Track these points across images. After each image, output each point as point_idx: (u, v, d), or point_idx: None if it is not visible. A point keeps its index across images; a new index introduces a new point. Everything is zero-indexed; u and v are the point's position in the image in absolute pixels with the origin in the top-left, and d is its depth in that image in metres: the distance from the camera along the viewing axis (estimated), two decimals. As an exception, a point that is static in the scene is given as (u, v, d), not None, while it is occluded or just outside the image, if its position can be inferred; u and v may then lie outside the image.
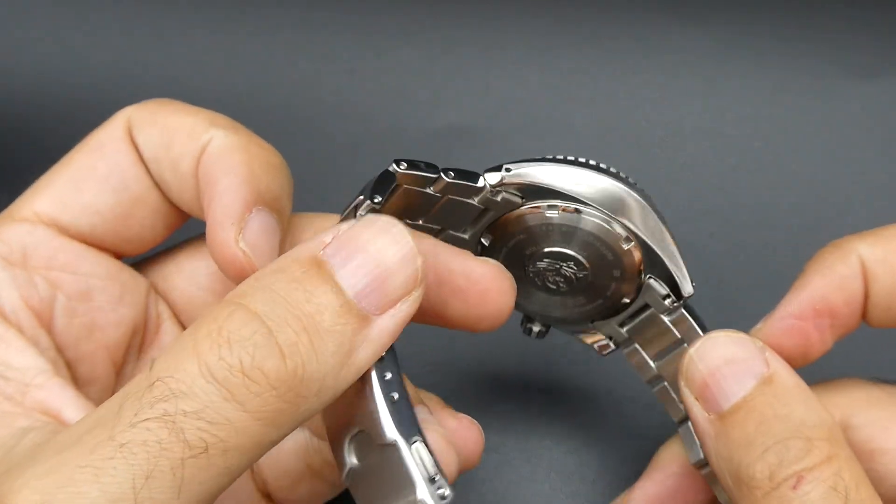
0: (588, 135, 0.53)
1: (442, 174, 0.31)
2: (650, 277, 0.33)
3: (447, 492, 0.25)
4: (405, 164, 0.30)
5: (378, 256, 0.26)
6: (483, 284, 0.31)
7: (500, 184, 0.31)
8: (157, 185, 0.34)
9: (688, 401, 0.31)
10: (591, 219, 0.32)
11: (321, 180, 0.51)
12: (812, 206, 0.51)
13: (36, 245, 0.32)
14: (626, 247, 0.32)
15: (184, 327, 0.36)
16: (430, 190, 0.31)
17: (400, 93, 0.54)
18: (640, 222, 0.32)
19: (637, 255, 0.32)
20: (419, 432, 0.26)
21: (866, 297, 0.33)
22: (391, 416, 0.26)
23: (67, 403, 0.29)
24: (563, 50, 0.55)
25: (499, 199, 0.32)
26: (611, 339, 0.36)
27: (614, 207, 0.32)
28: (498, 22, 0.55)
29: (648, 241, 0.32)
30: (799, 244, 0.50)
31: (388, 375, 0.27)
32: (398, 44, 0.55)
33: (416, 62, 0.55)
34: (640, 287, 0.33)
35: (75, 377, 0.33)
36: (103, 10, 0.57)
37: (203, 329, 0.24)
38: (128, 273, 0.34)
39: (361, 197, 0.29)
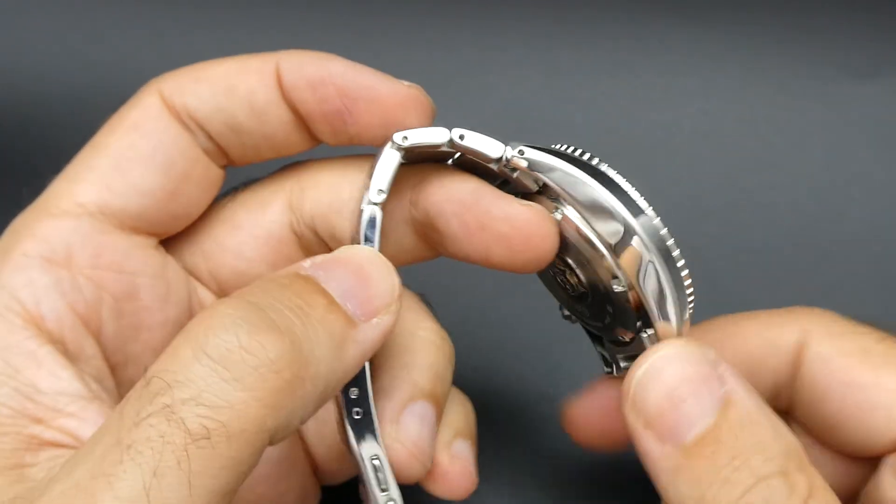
0: (587, 135, 0.53)
1: (453, 136, 0.29)
2: (644, 332, 0.30)
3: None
4: (407, 138, 0.29)
5: (357, 269, 0.27)
6: (526, 230, 0.30)
7: (508, 162, 0.29)
8: (214, 144, 0.32)
9: (635, 431, 0.27)
10: (587, 245, 0.29)
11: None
12: (811, 207, 0.51)
13: (81, 243, 0.30)
14: (617, 289, 0.29)
15: None
16: (445, 149, 0.30)
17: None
18: (643, 274, 0.28)
19: (632, 300, 0.29)
20: (379, 448, 0.29)
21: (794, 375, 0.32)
22: (353, 432, 0.29)
23: None
24: (562, 50, 0.55)
25: (514, 175, 0.30)
26: (611, 363, 0.33)
27: (621, 244, 0.28)
28: (498, 22, 0.55)
29: (649, 302, 0.28)
30: (798, 245, 0.50)
31: (355, 393, 0.29)
32: (397, 44, 0.55)
33: (415, 62, 0.55)
34: (636, 334, 0.30)
35: (122, 380, 0.32)
36: (103, 9, 0.57)
37: (194, 322, 0.25)
38: (172, 268, 0.33)
39: (367, 192, 0.29)
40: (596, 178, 0.29)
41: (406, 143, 0.29)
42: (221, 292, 0.34)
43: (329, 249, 0.32)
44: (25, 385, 0.28)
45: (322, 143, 0.33)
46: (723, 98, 0.53)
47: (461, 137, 0.29)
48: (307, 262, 0.27)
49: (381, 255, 0.28)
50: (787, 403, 0.33)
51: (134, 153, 0.31)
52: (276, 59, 0.31)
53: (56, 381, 0.28)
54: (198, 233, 0.34)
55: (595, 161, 0.29)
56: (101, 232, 0.30)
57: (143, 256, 0.32)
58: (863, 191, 0.51)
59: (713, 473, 0.26)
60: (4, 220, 0.32)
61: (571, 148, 0.30)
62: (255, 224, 0.33)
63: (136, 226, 0.31)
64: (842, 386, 0.31)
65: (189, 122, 0.32)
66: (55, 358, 0.29)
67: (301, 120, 0.32)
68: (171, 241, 0.34)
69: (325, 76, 0.31)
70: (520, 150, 0.29)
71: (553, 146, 0.30)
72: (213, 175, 0.33)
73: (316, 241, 0.33)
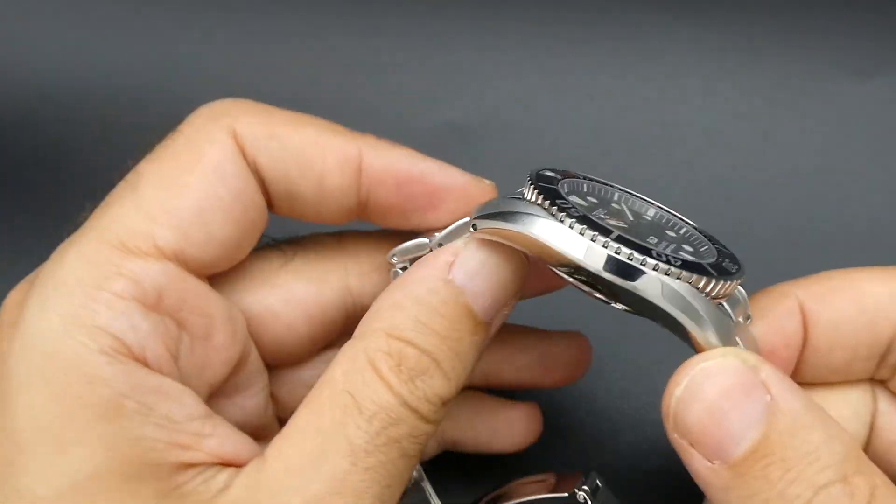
0: (586, 133, 0.53)
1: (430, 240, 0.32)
2: None
3: None
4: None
5: (500, 278, 0.30)
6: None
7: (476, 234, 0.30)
8: (266, 197, 0.33)
9: (682, 450, 0.27)
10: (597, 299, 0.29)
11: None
12: (810, 206, 0.51)
13: (168, 286, 0.30)
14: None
15: (267, 357, 0.35)
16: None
17: (398, 91, 0.54)
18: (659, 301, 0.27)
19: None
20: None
21: (805, 341, 0.31)
22: None
23: (241, 447, 0.30)
24: (561, 48, 0.55)
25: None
26: None
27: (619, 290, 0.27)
28: (496, 20, 0.55)
29: (680, 322, 0.27)
30: (797, 243, 0.50)
31: None
32: (396, 42, 0.55)
33: (414, 60, 0.55)
34: None
35: None
36: (103, 9, 0.57)
37: (382, 363, 0.29)
38: (236, 310, 0.33)
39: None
40: (560, 227, 0.27)
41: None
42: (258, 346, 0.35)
43: None
44: (163, 418, 0.29)
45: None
46: (722, 97, 0.53)
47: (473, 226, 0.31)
48: (449, 255, 0.30)
49: (514, 249, 0.30)
50: None
51: (216, 202, 0.31)
52: (360, 145, 0.32)
53: (185, 407, 0.29)
54: (246, 290, 0.34)
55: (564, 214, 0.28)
56: (182, 276, 0.30)
57: (218, 298, 0.32)
58: (862, 190, 0.51)
59: (767, 489, 0.25)
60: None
61: (535, 193, 0.29)
62: (313, 303, 0.34)
63: (206, 271, 0.32)
64: None
65: (255, 173, 0.32)
66: (175, 386, 0.29)
67: (362, 205, 0.33)
68: (216, 281, 0.34)
69: (416, 176, 0.32)
70: (473, 226, 0.30)
71: (517, 193, 0.30)
72: (264, 223, 0.33)
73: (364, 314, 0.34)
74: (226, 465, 0.29)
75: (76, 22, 0.57)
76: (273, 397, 0.36)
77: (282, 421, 0.35)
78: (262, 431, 0.36)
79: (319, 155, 0.32)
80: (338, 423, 0.28)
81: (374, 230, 0.35)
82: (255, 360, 0.34)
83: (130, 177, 0.31)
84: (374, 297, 0.32)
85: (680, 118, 0.54)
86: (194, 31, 0.56)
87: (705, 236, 0.31)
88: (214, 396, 0.33)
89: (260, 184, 0.32)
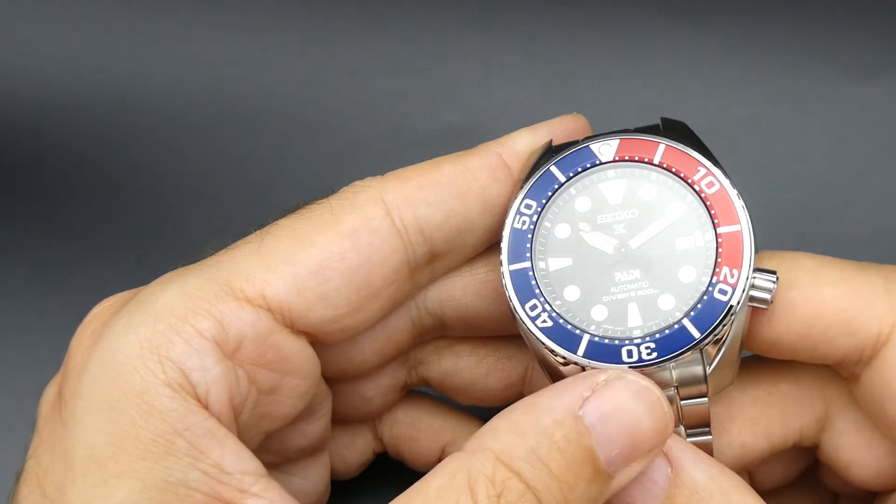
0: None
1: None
2: None
3: None
4: None
5: (635, 429, 0.27)
6: None
7: None
8: (429, 253, 0.32)
9: None
10: None
11: (321, 181, 0.51)
12: (811, 207, 0.51)
13: (253, 338, 0.29)
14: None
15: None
16: None
17: (400, 93, 0.54)
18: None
19: None
20: None
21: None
22: None
23: None
24: (562, 51, 0.55)
25: None
26: None
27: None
28: (498, 23, 0.55)
29: None
30: (798, 246, 0.50)
31: None
32: (398, 45, 0.55)
33: (415, 63, 0.55)
34: None
35: None
36: (104, 11, 0.57)
37: (482, 489, 0.26)
38: (318, 368, 0.32)
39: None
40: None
41: None
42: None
43: (443, 324, 0.34)
44: (212, 467, 0.28)
45: None
46: (724, 99, 0.53)
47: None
48: (586, 390, 0.27)
49: (661, 398, 0.28)
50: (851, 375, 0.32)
51: (340, 265, 0.30)
52: (498, 150, 0.32)
53: (239, 460, 0.28)
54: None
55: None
56: (273, 331, 0.30)
57: (301, 359, 0.31)
58: (863, 192, 0.51)
59: None
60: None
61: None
62: (385, 319, 0.33)
63: (307, 330, 0.31)
64: None
65: (413, 235, 0.31)
66: (233, 437, 0.29)
67: None
68: None
69: None
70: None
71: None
72: (396, 296, 0.32)
73: (432, 322, 0.34)
74: None
75: (77, 24, 0.57)
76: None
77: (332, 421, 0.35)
78: (320, 446, 0.35)
79: (470, 179, 0.32)
80: None
81: None
82: (322, 390, 0.34)
83: (264, 230, 0.31)
84: (441, 301, 0.33)
85: (682, 120, 0.53)
86: (194, 34, 0.56)
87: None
88: None
89: (421, 244, 0.32)
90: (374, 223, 0.31)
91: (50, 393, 0.30)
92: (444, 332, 0.35)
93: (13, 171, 0.53)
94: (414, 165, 0.32)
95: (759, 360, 0.34)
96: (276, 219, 0.32)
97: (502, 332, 0.34)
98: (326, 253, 0.30)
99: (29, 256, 0.52)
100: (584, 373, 0.29)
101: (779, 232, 0.50)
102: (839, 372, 0.33)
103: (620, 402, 0.27)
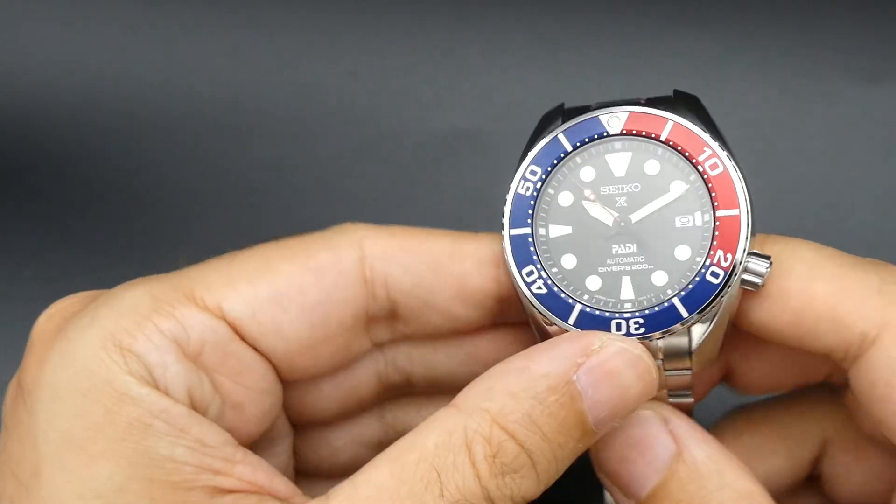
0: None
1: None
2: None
3: None
4: None
5: (625, 393, 0.29)
6: None
7: None
8: (390, 312, 0.33)
9: (606, 486, 0.31)
10: None
11: (324, 183, 0.51)
12: (815, 210, 0.51)
13: (214, 344, 0.30)
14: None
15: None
16: None
17: (402, 95, 0.54)
18: None
19: None
20: None
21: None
22: None
23: (274, 477, 0.30)
24: (565, 52, 0.55)
25: None
26: None
27: None
28: (500, 24, 0.55)
29: None
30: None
31: None
32: (400, 46, 0.55)
33: (418, 65, 0.55)
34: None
35: None
36: (105, 12, 0.57)
37: (479, 448, 0.28)
38: (280, 390, 0.33)
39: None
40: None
41: None
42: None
43: (409, 381, 0.34)
44: (195, 441, 0.29)
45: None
46: (727, 101, 0.53)
47: None
48: (580, 356, 0.29)
49: (651, 367, 0.29)
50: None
51: (299, 297, 0.31)
52: (494, 248, 0.32)
53: (218, 434, 0.29)
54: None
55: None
56: (233, 340, 0.31)
57: (264, 373, 0.32)
58: (867, 194, 0.51)
59: None
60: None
61: None
62: (347, 368, 0.34)
63: (262, 352, 0.32)
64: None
65: (378, 289, 0.32)
66: (205, 419, 0.29)
67: (504, 301, 0.33)
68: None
69: None
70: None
71: None
72: (355, 348, 0.33)
73: (398, 378, 0.34)
74: (263, 494, 0.29)
75: (77, 24, 0.57)
76: (295, 451, 0.36)
77: (299, 472, 0.36)
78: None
79: (456, 259, 0.32)
80: (416, 497, 0.27)
81: None
82: (282, 422, 0.34)
83: (242, 250, 0.32)
84: (410, 358, 0.33)
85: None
86: (195, 35, 0.56)
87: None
88: None
89: (384, 301, 0.32)
90: (344, 265, 0.31)
91: (11, 387, 0.31)
92: (411, 389, 0.35)
93: (17, 174, 0.53)
94: (410, 227, 0.33)
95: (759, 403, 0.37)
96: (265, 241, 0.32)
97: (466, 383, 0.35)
98: (288, 282, 0.31)
99: (34, 258, 0.52)
100: (578, 333, 0.30)
101: (780, 232, 0.50)
102: (831, 364, 0.34)
103: (613, 369, 0.29)
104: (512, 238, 0.31)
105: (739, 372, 0.35)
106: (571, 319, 0.30)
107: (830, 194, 0.51)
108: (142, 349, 0.29)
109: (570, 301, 0.30)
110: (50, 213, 0.52)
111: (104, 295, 0.31)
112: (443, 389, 0.35)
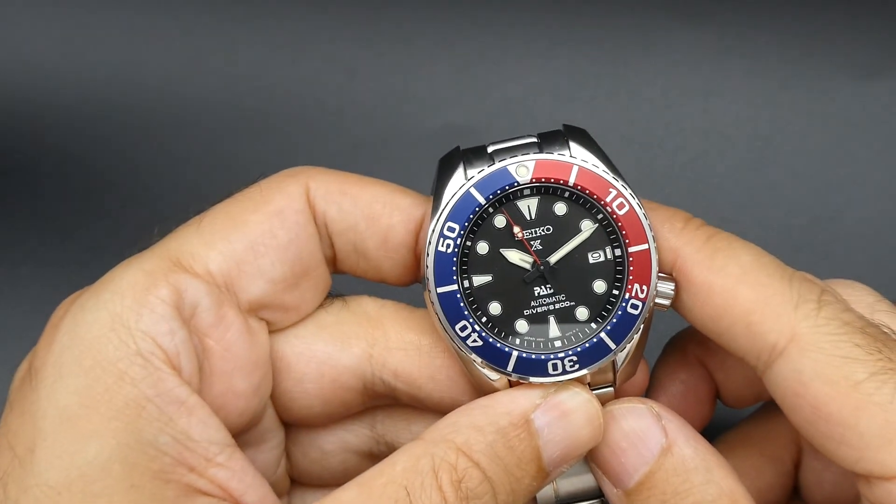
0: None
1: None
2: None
3: None
4: None
5: (576, 435, 0.31)
6: None
7: None
8: (333, 254, 0.34)
9: (597, 476, 0.33)
10: None
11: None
12: (812, 207, 0.51)
13: (204, 306, 0.31)
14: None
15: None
16: None
17: (399, 93, 0.54)
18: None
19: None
20: None
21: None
22: None
23: (249, 487, 0.31)
24: (563, 50, 0.55)
25: None
26: None
27: None
28: (498, 22, 0.55)
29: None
30: (799, 244, 0.50)
31: None
32: (397, 45, 0.55)
33: (415, 63, 0.55)
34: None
35: None
36: (104, 11, 0.57)
37: (445, 475, 0.29)
38: (269, 364, 0.34)
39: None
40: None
41: None
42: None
43: (394, 394, 0.35)
44: (180, 432, 0.29)
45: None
46: (723, 98, 0.53)
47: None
48: (538, 397, 0.31)
49: (599, 411, 0.32)
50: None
51: (272, 241, 0.33)
52: (425, 207, 0.34)
53: (206, 429, 0.30)
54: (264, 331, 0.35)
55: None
56: (223, 303, 0.32)
57: (252, 344, 0.33)
58: (864, 190, 0.51)
59: None
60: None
61: None
62: (328, 362, 0.34)
63: (252, 308, 0.33)
64: (814, 414, 0.31)
65: (322, 228, 0.34)
66: (203, 406, 0.30)
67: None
68: None
69: None
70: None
71: None
72: (325, 280, 0.35)
73: (384, 389, 0.35)
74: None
75: (77, 23, 0.57)
76: (288, 455, 0.36)
77: (293, 479, 0.37)
78: (272, 487, 0.36)
79: (387, 211, 0.33)
80: None
81: (421, 309, 0.35)
82: (270, 415, 0.35)
83: (202, 215, 0.33)
84: (396, 374, 0.34)
85: (683, 120, 0.54)
86: (193, 34, 0.56)
87: None
88: None
89: (326, 238, 0.34)
90: (296, 204, 0.33)
91: (22, 369, 0.32)
92: (395, 399, 0.35)
93: (15, 171, 0.53)
94: (354, 174, 0.34)
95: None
96: (213, 204, 0.34)
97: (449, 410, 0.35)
98: (258, 230, 0.33)
99: (31, 256, 0.52)
100: (536, 382, 0.32)
101: (780, 231, 0.50)
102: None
103: (565, 411, 0.31)
104: (440, 296, 0.32)
105: (725, 387, 0.37)
106: (510, 366, 0.32)
107: (826, 190, 0.51)
108: (147, 324, 0.30)
109: (507, 349, 0.32)
110: (49, 213, 0.52)
111: (101, 280, 0.32)
112: (424, 405, 0.35)
